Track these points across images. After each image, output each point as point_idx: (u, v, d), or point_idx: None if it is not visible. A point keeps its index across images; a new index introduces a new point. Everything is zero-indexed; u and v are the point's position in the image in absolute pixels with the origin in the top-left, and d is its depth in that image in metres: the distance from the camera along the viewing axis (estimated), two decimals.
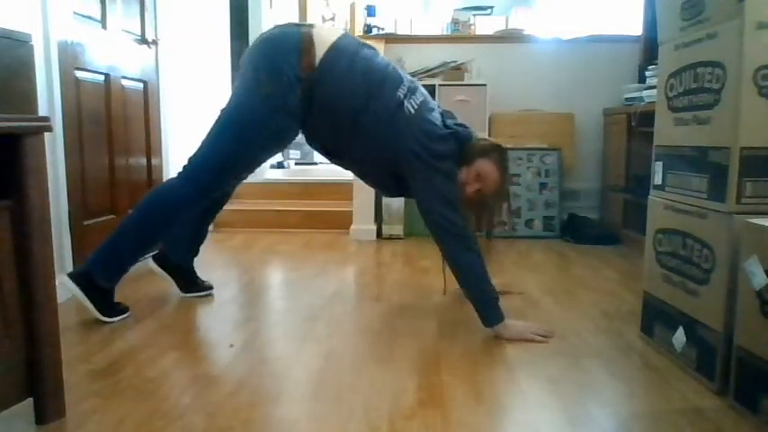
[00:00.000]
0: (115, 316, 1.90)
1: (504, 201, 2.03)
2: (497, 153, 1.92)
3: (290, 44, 1.82)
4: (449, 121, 1.91)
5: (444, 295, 2.20)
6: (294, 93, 1.80)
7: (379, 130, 1.84)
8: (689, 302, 1.54)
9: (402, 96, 1.85)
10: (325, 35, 1.86)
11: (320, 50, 1.81)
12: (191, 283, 2.21)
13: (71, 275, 1.86)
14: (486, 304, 1.80)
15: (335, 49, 1.83)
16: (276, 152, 2.05)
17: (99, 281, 1.85)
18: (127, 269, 1.91)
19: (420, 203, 1.88)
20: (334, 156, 2.03)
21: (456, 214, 1.81)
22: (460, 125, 1.93)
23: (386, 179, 2.00)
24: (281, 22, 2.06)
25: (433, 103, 1.95)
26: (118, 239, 1.88)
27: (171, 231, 1.96)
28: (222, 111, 1.90)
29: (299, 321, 1.95)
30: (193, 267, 2.24)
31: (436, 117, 1.89)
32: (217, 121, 1.90)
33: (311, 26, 1.90)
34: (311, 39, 1.82)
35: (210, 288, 2.24)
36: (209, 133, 1.90)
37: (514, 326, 1.80)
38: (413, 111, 1.84)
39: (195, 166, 1.90)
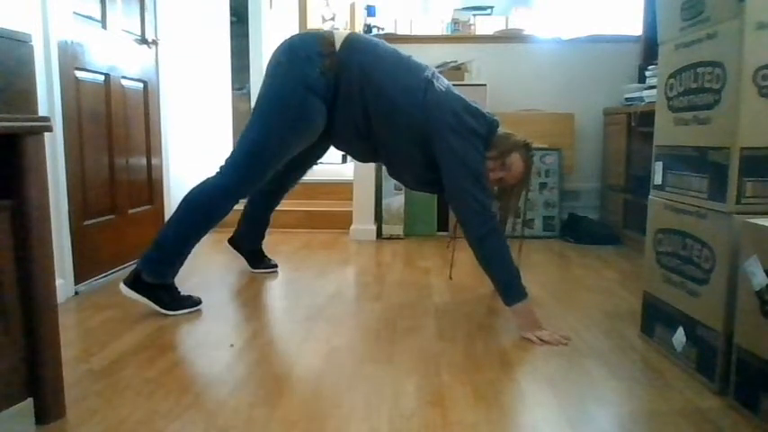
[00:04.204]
0: (180, 309, 1.98)
1: (522, 190, 2.09)
2: (526, 150, 1.98)
3: (308, 35, 1.96)
4: (477, 105, 1.97)
5: (451, 280, 2.38)
6: (313, 67, 1.86)
7: (412, 107, 1.88)
8: (689, 302, 1.54)
9: (430, 76, 1.92)
10: (339, 31, 2.00)
11: (339, 37, 1.92)
12: (258, 262, 2.59)
13: (125, 282, 1.95)
14: (509, 284, 1.85)
15: (354, 37, 1.94)
16: (305, 136, 2.02)
17: (146, 278, 1.93)
18: (175, 262, 1.98)
19: (450, 183, 1.90)
20: (363, 147, 2.08)
21: (485, 193, 1.86)
22: (487, 113, 1.98)
23: (417, 165, 2.00)
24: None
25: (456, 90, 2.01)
26: (161, 236, 1.97)
27: (213, 225, 2.01)
28: (253, 109, 2.01)
29: (299, 321, 1.95)
30: (261, 248, 2.60)
31: (464, 96, 1.95)
32: (250, 118, 2.00)
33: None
34: (329, 31, 1.95)
35: (276, 266, 2.61)
36: (244, 130, 2.01)
37: (533, 313, 1.84)
38: (443, 89, 1.91)
39: (230, 158, 1.99)
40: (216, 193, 1.96)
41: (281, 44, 2.00)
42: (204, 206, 1.96)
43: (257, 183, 2.04)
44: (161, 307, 1.96)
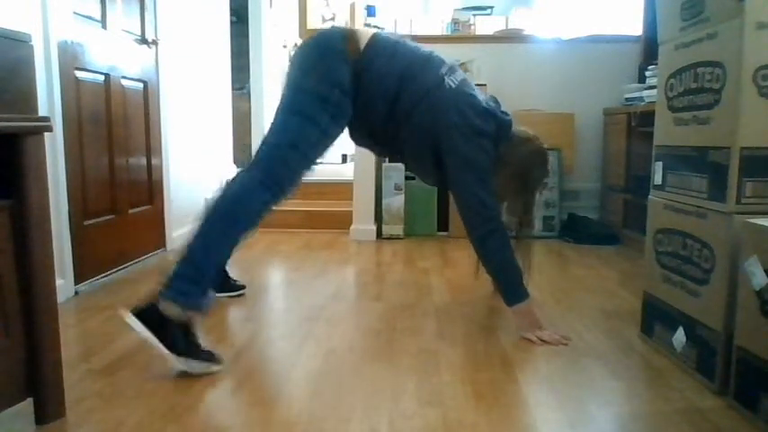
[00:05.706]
0: (195, 360, 1.53)
1: (529, 197, 2.07)
2: (538, 157, 1.96)
3: (335, 34, 1.89)
4: (491, 104, 1.93)
5: (476, 279, 2.31)
6: (345, 72, 1.81)
7: (420, 106, 1.86)
8: (689, 302, 1.54)
9: (444, 73, 1.89)
10: (365, 29, 1.96)
11: (364, 38, 1.86)
12: (223, 284, 2.21)
13: (133, 311, 1.53)
14: (510, 284, 1.85)
15: (378, 38, 1.88)
16: (333, 135, 1.85)
17: (169, 308, 1.53)
18: (206, 281, 1.61)
19: (453, 182, 1.89)
20: (380, 144, 2.06)
21: (488, 194, 1.84)
22: (503, 112, 1.95)
23: (429, 165, 1.99)
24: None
25: (473, 85, 1.97)
26: (190, 250, 1.60)
27: (247, 230, 1.69)
28: (278, 107, 1.82)
29: (299, 321, 1.95)
30: (226, 269, 2.22)
31: (477, 94, 1.92)
32: (275, 116, 1.81)
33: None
34: (353, 30, 1.90)
35: (243, 287, 2.27)
36: (270, 128, 1.81)
37: (534, 313, 1.83)
38: (453, 86, 1.88)
39: (260, 155, 1.73)
40: (246, 195, 1.66)
41: (306, 44, 1.90)
42: (235, 211, 1.64)
43: (290, 182, 1.74)
44: (171, 350, 1.50)
